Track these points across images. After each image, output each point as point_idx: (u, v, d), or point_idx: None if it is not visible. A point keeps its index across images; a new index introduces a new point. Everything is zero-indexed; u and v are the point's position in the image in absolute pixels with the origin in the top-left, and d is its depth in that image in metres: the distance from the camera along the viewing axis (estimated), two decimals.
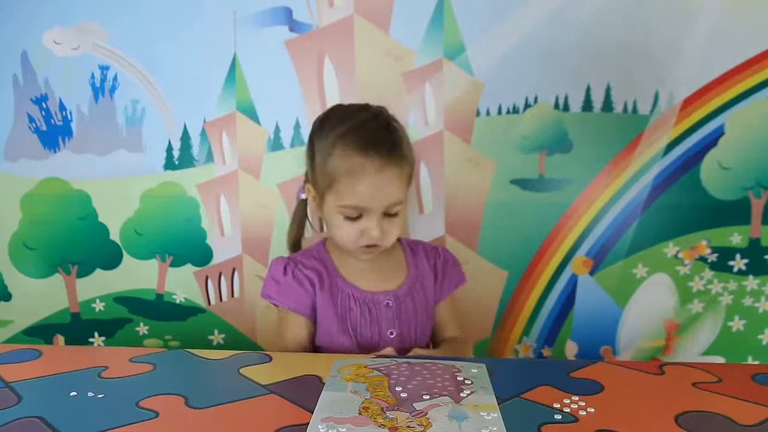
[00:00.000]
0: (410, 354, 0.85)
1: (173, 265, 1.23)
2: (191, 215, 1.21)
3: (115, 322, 1.25)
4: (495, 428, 0.57)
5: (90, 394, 0.66)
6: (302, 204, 1.00)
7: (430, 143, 1.17)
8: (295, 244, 1.02)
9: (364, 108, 0.91)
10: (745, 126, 1.14)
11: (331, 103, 1.15)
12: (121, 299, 1.24)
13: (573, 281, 1.20)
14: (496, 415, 0.60)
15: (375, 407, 0.61)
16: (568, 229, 1.18)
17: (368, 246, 0.88)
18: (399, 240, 1.00)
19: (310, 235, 1.11)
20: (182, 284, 1.23)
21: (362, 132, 0.87)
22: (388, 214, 0.87)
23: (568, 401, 0.65)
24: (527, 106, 1.15)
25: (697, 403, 0.66)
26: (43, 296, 1.23)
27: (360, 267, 0.94)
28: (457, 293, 1.01)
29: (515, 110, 1.15)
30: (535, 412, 0.63)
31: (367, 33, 1.14)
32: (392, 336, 0.91)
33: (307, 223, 1.02)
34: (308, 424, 0.58)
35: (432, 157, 1.17)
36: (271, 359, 0.79)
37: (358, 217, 0.86)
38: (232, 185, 1.20)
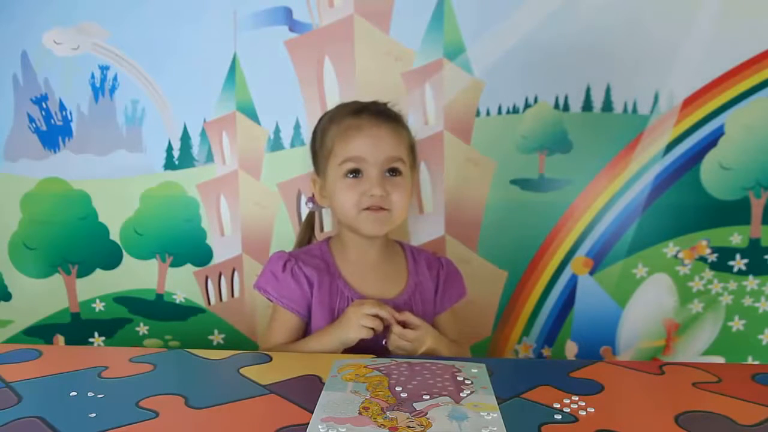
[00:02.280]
0: (403, 317, 0.85)
1: (173, 265, 1.23)
2: (191, 215, 1.21)
3: (115, 322, 1.25)
4: (495, 428, 0.57)
5: (90, 394, 0.66)
6: (310, 216, 1.04)
7: (430, 143, 1.16)
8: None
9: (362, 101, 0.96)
10: (745, 126, 1.14)
11: (331, 103, 1.16)
12: (121, 299, 1.24)
13: (573, 281, 1.20)
14: (496, 415, 0.60)
15: (375, 407, 0.61)
16: (568, 229, 1.18)
17: (373, 210, 0.87)
18: (402, 246, 1.00)
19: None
20: (182, 284, 1.23)
21: (355, 103, 0.93)
22: (390, 172, 0.88)
23: (568, 401, 0.65)
24: (527, 106, 1.15)
25: (697, 403, 0.66)
26: (43, 296, 1.23)
27: (360, 270, 0.93)
28: (457, 304, 1.01)
29: (515, 110, 1.15)
30: (535, 412, 0.63)
31: (367, 33, 1.14)
32: (385, 343, 0.90)
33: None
34: (308, 424, 0.58)
35: (432, 157, 1.17)
36: (271, 359, 0.79)
37: (359, 174, 0.88)
38: (232, 185, 1.20)
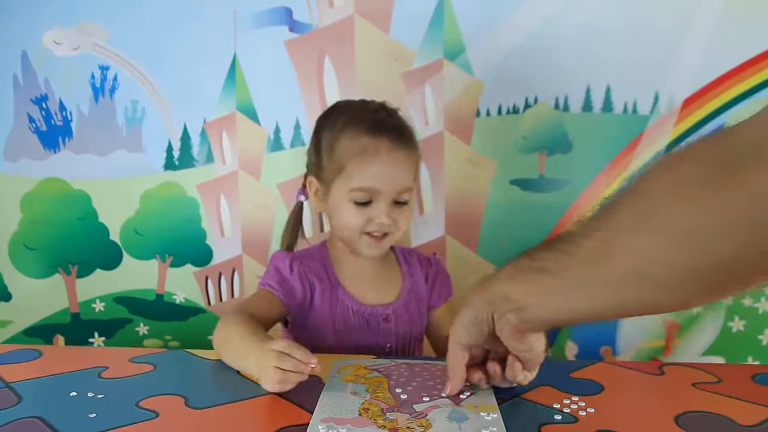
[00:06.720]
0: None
1: (173, 265, 1.23)
2: (191, 215, 1.21)
3: (115, 322, 1.25)
4: (495, 429, 0.57)
5: (90, 394, 0.66)
6: (298, 207, 1.00)
7: (430, 143, 1.16)
8: (289, 249, 1.00)
9: (368, 101, 0.93)
10: None
11: (331, 103, 1.15)
12: (121, 299, 1.24)
13: None
14: (496, 415, 0.60)
15: (375, 408, 0.61)
16: None
17: (375, 236, 0.87)
18: (392, 248, 0.99)
19: (310, 235, 1.11)
20: (182, 284, 1.23)
21: (371, 116, 0.88)
22: (397, 202, 0.86)
23: (568, 401, 0.65)
24: (527, 106, 1.15)
25: (697, 403, 0.66)
26: (43, 296, 1.23)
27: (357, 276, 0.92)
28: (454, 303, 0.99)
29: (515, 110, 1.15)
30: (535, 412, 0.63)
31: (367, 33, 1.14)
32: (389, 349, 0.91)
33: (301, 229, 1.02)
34: (308, 424, 0.58)
35: (432, 157, 1.17)
36: None
37: (368, 203, 0.85)
38: (232, 185, 1.20)
